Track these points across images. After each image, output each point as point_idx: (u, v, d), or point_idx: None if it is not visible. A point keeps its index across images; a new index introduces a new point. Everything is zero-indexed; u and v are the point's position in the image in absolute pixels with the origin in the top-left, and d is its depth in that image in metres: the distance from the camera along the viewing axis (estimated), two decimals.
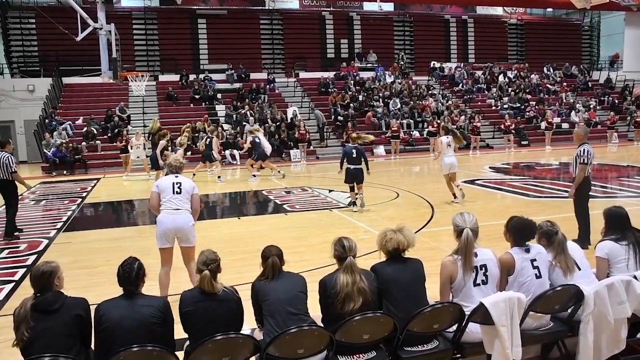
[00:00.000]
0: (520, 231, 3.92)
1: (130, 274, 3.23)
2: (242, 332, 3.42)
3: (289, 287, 3.51)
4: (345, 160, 10.23)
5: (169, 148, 14.14)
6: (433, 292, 3.94)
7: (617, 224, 4.25)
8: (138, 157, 17.60)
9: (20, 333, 3.07)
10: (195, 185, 5.73)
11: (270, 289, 3.48)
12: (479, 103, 27.28)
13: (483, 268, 3.69)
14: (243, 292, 3.65)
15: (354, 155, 10.07)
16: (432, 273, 3.89)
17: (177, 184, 5.56)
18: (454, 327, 3.59)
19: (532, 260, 3.83)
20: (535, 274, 3.80)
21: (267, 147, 15.99)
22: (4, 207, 9.25)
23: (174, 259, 5.68)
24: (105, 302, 3.24)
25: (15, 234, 9.03)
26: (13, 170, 8.67)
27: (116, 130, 21.05)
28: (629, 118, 26.50)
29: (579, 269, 3.91)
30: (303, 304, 3.53)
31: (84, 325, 3.22)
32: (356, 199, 10.35)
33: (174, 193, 5.52)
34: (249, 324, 3.80)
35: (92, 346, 3.35)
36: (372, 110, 24.71)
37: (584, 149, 6.94)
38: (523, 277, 3.79)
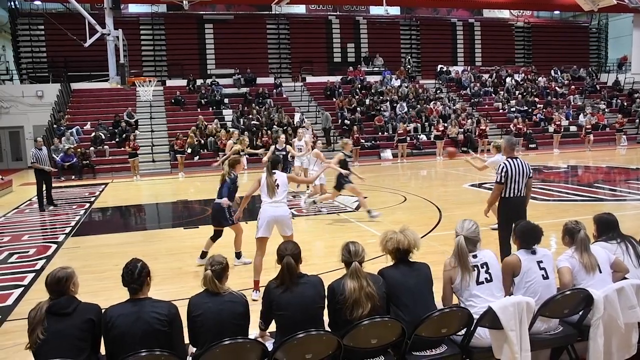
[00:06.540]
0: (525, 234, 3.95)
1: (134, 271, 3.25)
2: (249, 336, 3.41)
3: (306, 300, 3.46)
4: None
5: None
6: (441, 296, 3.92)
7: (607, 229, 4.31)
8: None
9: (35, 336, 3.08)
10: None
11: (285, 303, 3.45)
12: (486, 106, 27.20)
13: (484, 266, 3.73)
14: (248, 297, 3.63)
15: None
16: (440, 277, 3.86)
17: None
18: (463, 332, 3.57)
19: (539, 262, 3.84)
20: (542, 275, 3.80)
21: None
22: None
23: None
24: (112, 307, 3.25)
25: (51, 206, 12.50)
26: (31, 162, 12.53)
27: (124, 135, 21.17)
28: (637, 120, 26.35)
29: (600, 272, 3.91)
30: (320, 318, 3.50)
31: (95, 330, 3.23)
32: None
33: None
34: (253, 328, 3.78)
35: (103, 351, 3.34)
36: (379, 115, 24.70)
37: (501, 166, 5.72)
38: (529, 278, 3.79)
